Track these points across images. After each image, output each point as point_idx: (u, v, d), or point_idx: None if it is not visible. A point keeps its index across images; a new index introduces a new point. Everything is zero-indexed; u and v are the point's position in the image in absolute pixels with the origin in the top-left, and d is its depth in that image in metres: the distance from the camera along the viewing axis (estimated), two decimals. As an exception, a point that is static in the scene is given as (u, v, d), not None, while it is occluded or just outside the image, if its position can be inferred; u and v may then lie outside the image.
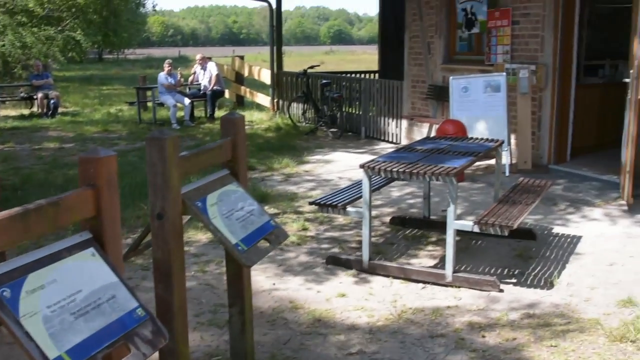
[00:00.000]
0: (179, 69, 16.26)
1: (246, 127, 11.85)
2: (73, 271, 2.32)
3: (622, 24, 7.71)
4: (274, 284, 5.41)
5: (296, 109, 15.20)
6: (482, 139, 6.89)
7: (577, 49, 9.38)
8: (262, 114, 16.17)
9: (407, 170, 5.32)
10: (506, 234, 5.18)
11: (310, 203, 6.00)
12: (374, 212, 7.22)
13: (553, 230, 6.74)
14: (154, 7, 52.91)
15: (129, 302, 2.42)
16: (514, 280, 5.41)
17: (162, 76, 15.07)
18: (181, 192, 3.05)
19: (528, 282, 5.38)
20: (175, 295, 3.03)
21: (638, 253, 6.02)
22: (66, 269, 2.30)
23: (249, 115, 16.12)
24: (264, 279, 5.50)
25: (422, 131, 11.42)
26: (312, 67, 14.78)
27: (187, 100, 14.93)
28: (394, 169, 5.38)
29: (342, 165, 10.13)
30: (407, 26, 12.00)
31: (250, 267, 3.47)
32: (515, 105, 9.37)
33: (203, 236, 6.53)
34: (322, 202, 5.83)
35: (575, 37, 9.25)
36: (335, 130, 13.05)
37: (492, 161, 8.72)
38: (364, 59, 46.08)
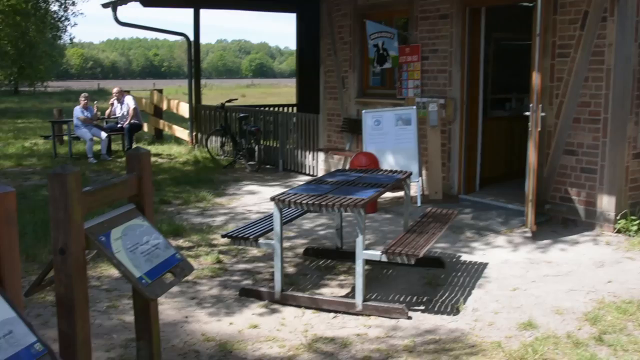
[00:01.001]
0: (95, 102, 16.07)
1: (164, 160, 11.81)
2: (-31, 308, 2.34)
3: (526, 59, 8.13)
4: (186, 316, 5.43)
5: (215, 142, 15.25)
6: (391, 170, 7.10)
7: (483, 83, 9.80)
8: (180, 148, 16.14)
9: (316, 203, 5.46)
10: (413, 262, 5.35)
11: (223, 236, 6.06)
12: (287, 244, 7.35)
13: (461, 258, 6.98)
14: (71, 39, 51.97)
15: (27, 337, 2.44)
16: (422, 307, 5.58)
17: (78, 110, 14.87)
18: (84, 227, 3.09)
19: (435, 309, 5.56)
20: (78, 330, 3.05)
21: (539, 278, 6.29)
22: (-39, 305, 2.32)
23: (168, 149, 16.07)
24: (176, 312, 5.51)
25: (338, 163, 11.64)
26: (229, 101, 14.87)
27: (103, 134, 14.75)
28: (304, 201, 5.50)
29: (259, 198, 10.22)
30: (322, 61, 12.27)
31: (154, 300, 3.52)
32: (426, 137, 9.69)
33: (115, 271, 6.48)
34: (234, 235, 5.90)
35: (481, 72, 9.67)
36: (253, 163, 13.13)
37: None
38: (285, 92, 46.44)
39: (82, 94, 15.40)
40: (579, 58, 7.91)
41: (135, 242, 3.35)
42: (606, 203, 7.78)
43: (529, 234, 7.74)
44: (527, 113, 7.68)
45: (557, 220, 8.29)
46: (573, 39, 7.96)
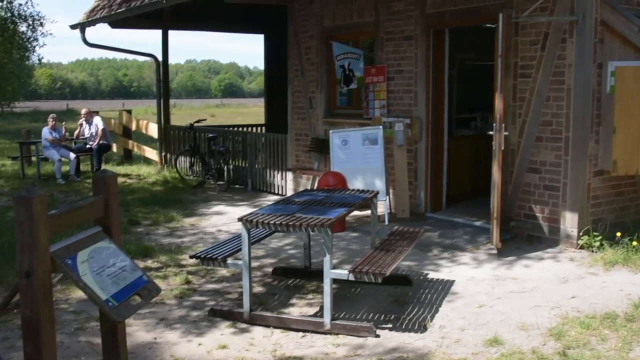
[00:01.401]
0: (64, 123, 16.01)
1: (133, 181, 11.75)
2: None
3: (490, 79, 8.29)
4: (155, 337, 5.43)
5: (184, 162, 15.25)
6: (358, 190, 7.19)
7: (448, 103, 9.97)
8: (150, 168, 16.12)
9: (284, 223, 5.51)
10: (380, 281, 5.42)
11: (191, 256, 6.09)
12: (256, 263, 7.39)
13: (428, 276, 7.06)
14: (40, 59, 51.41)
15: (-7, 360, 2.47)
16: (389, 325, 5.64)
17: (46, 130, 14.82)
18: (50, 250, 3.11)
19: (403, 327, 5.62)
20: (44, 353, 3.06)
21: (505, 295, 6.39)
22: None
23: (137, 169, 16.05)
24: (144, 333, 5.51)
25: (306, 183, 11.72)
26: (198, 121, 14.91)
27: (72, 155, 14.70)
28: (272, 222, 5.56)
29: (227, 218, 10.24)
30: (289, 81, 12.37)
31: (121, 322, 3.54)
32: (392, 156, 9.81)
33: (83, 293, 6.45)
34: (202, 256, 5.93)
35: (446, 92, 9.84)
36: (222, 183, 13.16)
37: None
38: (254, 111, 46.58)
39: (50, 115, 15.36)
40: (540, 78, 8.10)
41: (101, 265, 3.38)
42: (569, 220, 7.94)
43: (494, 251, 7.86)
44: (491, 132, 7.83)
45: (522, 237, 8.44)
46: (534, 59, 8.16)
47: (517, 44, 8.33)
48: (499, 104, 7.61)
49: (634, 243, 7.45)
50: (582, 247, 7.81)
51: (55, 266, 3.13)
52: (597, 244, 7.69)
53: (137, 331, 5.53)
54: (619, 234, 7.70)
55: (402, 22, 9.89)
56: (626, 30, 7.49)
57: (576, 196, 7.87)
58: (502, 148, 7.67)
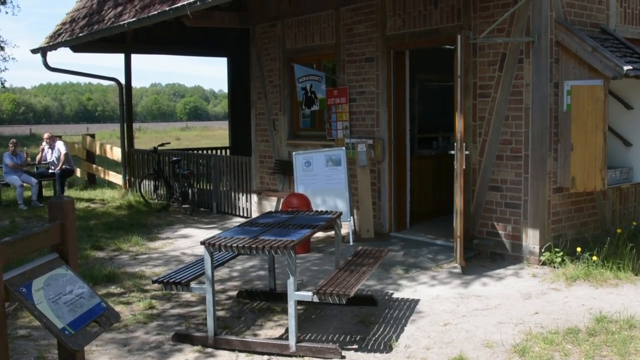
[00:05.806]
0: (25, 148, 15.82)
1: (97, 205, 11.59)
2: None
3: (450, 99, 8.38)
4: (117, 365, 5.37)
5: (148, 186, 15.14)
6: (321, 211, 7.19)
7: (410, 123, 10.05)
8: (114, 192, 15.99)
9: (247, 245, 5.50)
10: (344, 301, 5.42)
11: (154, 281, 6.02)
12: (220, 287, 7.35)
13: (393, 295, 7.08)
14: (2, 84, 50.88)
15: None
16: (355, 346, 5.63)
17: (7, 156, 14.65)
18: (4, 278, 3.07)
19: (369, 347, 5.61)
20: (-1, 383, 3.01)
21: (469, 312, 6.43)
22: None
23: (101, 194, 15.91)
24: (106, 361, 5.44)
25: (272, 205, 11.70)
26: (162, 145, 14.84)
27: (34, 180, 14.55)
28: (235, 245, 5.54)
29: (192, 242, 10.17)
30: (253, 104, 12.39)
31: (78, 351, 3.49)
32: (356, 177, 9.85)
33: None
34: (165, 280, 5.87)
35: (407, 112, 9.91)
36: (187, 206, 13.10)
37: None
38: (219, 134, 46.44)
39: (11, 140, 15.22)
40: (499, 98, 8.22)
41: (58, 292, 3.34)
42: (531, 236, 8.03)
43: (458, 269, 7.91)
44: (452, 152, 7.90)
45: (485, 255, 8.51)
46: (493, 79, 8.28)
47: (475, 65, 8.45)
48: (459, 123, 7.70)
49: (594, 258, 7.56)
50: (544, 263, 7.90)
51: (8, 295, 3.08)
52: (559, 259, 7.79)
53: (99, 357, 5.46)
54: (579, 249, 7.82)
55: (363, 44, 9.98)
56: (580, 50, 7.64)
57: (537, 213, 7.96)
58: (464, 167, 7.74)
